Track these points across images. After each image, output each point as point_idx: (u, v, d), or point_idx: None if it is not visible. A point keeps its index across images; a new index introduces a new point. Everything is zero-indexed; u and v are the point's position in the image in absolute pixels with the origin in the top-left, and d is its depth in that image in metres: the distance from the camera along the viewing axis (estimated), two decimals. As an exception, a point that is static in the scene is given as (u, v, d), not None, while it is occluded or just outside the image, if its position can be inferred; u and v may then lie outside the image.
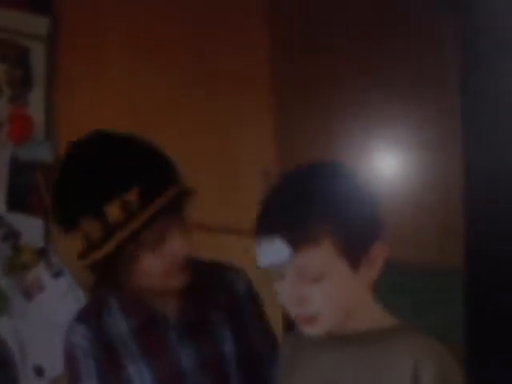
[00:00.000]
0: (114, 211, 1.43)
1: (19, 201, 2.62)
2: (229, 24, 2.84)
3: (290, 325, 1.45)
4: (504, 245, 2.63)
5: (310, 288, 1.33)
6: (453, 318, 2.78)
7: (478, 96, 2.70)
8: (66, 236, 1.52)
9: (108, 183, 1.45)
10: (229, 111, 2.83)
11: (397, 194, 2.81)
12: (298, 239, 1.30)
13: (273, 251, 1.31)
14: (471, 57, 2.71)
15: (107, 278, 1.54)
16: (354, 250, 1.34)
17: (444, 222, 2.91)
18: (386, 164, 2.84)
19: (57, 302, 2.59)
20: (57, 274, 2.62)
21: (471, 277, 2.73)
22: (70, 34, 2.69)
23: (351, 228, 1.33)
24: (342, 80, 2.90)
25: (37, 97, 2.67)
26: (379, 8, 2.93)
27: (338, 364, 1.38)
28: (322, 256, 1.31)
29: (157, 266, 1.50)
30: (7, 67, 2.64)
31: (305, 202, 1.31)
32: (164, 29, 2.79)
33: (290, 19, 2.90)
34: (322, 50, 2.91)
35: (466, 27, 2.74)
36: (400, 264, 2.82)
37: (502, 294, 2.62)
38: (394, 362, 1.33)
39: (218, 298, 1.64)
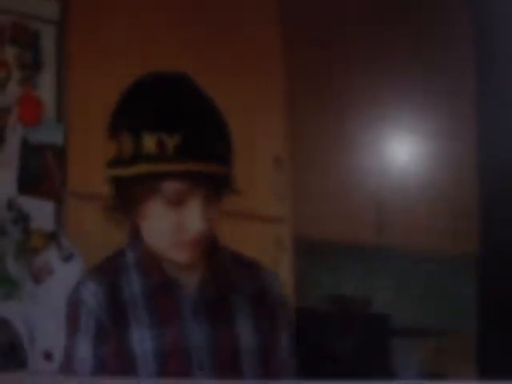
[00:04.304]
0: (149, 143, 1.41)
1: (30, 184, 2.61)
2: (240, 18, 2.84)
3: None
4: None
5: None
6: (466, 303, 2.76)
7: (493, 81, 2.68)
8: (108, 141, 1.50)
9: (159, 114, 1.44)
10: (242, 99, 2.82)
11: (411, 181, 2.79)
12: None
13: None
14: (487, 44, 2.69)
15: (120, 203, 1.48)
16: None
17: (458, 208, 2.89)
18: (401, 151, 2.83)
19: (67, 286, 2.57)
20: (67, 258, 2.60)
21: (485, 262, 2.71)
22: (80, 18, 2.68)
23: None
24: (355, 67, 2.90)
25: (47, 79, 2.67)
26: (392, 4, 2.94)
27: None
28: None
29: (165, 224, 1.44)
30: (17, 50, 2.63)
31: None
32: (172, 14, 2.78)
33: (302, 11, 2.90)
34: (335, 39, 2.91)
35: (480, 17, 2.72)
36: (414, 249, 2.81)
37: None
38: None
39: (247, 287, 1.55)
